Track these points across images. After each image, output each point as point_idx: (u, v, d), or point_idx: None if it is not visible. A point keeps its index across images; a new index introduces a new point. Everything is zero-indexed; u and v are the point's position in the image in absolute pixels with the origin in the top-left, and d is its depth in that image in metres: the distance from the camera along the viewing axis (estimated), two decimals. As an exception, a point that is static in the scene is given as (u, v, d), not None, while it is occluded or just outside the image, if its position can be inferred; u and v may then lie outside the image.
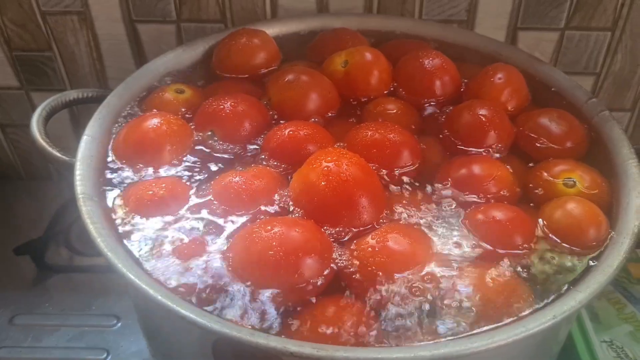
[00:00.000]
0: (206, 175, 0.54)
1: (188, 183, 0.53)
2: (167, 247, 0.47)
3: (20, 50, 0.82)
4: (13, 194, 0.93)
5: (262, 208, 0.50)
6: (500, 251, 0.48)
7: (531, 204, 0.53)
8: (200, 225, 0.49)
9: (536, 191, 0.54)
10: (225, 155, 0.56)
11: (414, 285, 0.44)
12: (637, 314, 0.66)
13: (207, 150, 0.56)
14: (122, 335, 0.71)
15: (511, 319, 0.43)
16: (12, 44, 0.81)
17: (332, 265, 0.46)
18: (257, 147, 0.57)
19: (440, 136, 0.60)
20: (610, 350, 0.63)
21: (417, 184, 0.54)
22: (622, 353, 0.63)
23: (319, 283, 0.44)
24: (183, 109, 0.61)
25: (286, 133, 0.55)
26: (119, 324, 0.72)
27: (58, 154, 0.57)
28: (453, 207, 0.52)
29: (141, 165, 0.54)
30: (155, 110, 0.59)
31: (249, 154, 0.56)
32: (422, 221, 0.50)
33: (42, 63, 0.83)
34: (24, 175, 0.96)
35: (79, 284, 0.78)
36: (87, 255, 0.81)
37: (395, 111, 0.60)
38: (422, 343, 0.41)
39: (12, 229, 0.86)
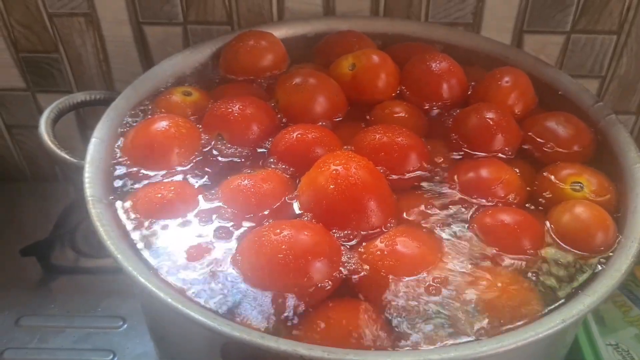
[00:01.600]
0: (215, 179, 0.54)
1: (196, 186, 0.53)
2: (176, 250, 0.47)
3: (26, 52, 0.82)
4: (19, 195, 0.93)
5: (271, 211, 0.50)
6: (508, 255, 0.48)
7: (540, 208, 0.53)
8: (209, 228, 0.49)
9: (544, 194, 0.54)
10: (234, 158, 0.56)
11: (422, 288, 0.45)
12: (643, 317, 0.66)
13: (216, 153, 0.56)
14: (128, 337, 0.71)
15: (520, 323, 0.43)
16: (19, 45, 0.81)
17: (341, 268, 0.46)
18: (265, 150, 0.57)
19: (447, 139, 0.60)
20: (616, 354, 0.63)
21: (424, 187, 0.54)
22: (628, 356, 0.63)
23: (327, 286, 0.44)
24: (190, 112, 0.61)
25: (294, 136, 0.55)
26: (125, 326, 0.72)
27: (67, 156, 0.57)
28: (460, 210, 0.52)
29: (150, 168, 0.54)
30: (163, 112, 0.59)
31: (257, 157, 0.56)
32: (430, 225, 0.50)
33: (48, 64, 0.83)
34: (30, 176, 0.96)
35: (84, 285, 0.78)
36: (92, 256, 0.81)
37: (402, 114, 0.61)
38: (430, 347, 0.41)
39: (17, 230, 0.86)
